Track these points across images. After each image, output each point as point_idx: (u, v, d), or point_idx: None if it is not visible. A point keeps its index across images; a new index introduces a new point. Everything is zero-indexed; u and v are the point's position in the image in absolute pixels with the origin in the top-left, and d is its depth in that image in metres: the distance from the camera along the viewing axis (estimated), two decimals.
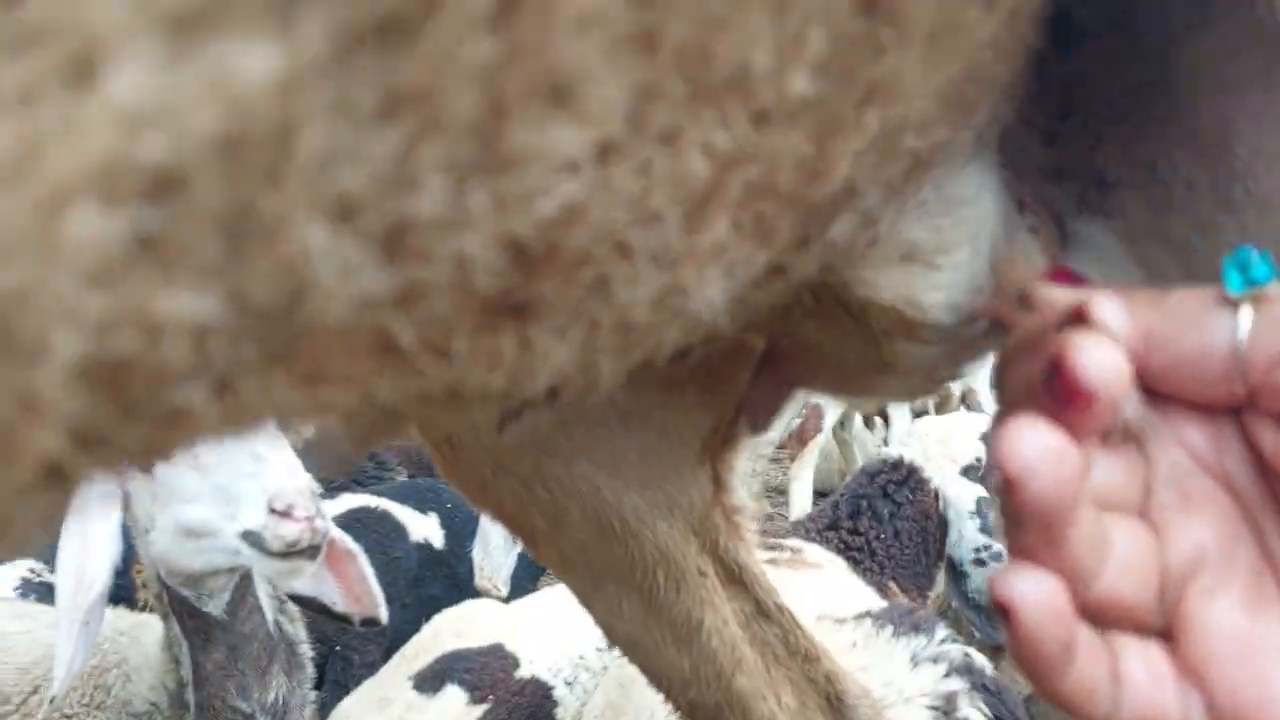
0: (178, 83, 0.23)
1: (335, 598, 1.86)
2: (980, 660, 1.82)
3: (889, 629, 1.76)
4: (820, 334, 0.73)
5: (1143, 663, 0.40)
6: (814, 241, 0.50)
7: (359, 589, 1.88)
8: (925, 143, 0.52)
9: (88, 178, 0.22)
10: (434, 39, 0.26)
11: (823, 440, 4.33)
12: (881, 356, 0.67)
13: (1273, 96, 0.59)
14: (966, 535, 2.66)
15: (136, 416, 0.26)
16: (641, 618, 1.24)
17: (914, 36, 0.43)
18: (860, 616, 1.81)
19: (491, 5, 0.26)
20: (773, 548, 2.36)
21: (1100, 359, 0.38)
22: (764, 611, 1.26)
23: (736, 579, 1.25)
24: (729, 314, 0.47)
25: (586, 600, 1.22)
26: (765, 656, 1.25)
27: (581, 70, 0.29)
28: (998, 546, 2.65)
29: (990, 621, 2.66)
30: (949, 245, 0.62)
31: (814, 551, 2.36)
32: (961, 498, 2.68)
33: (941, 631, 1.83)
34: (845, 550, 2.48)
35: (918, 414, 3.92)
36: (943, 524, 2.66)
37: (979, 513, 2.68)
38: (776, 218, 0.44)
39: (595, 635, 1.30)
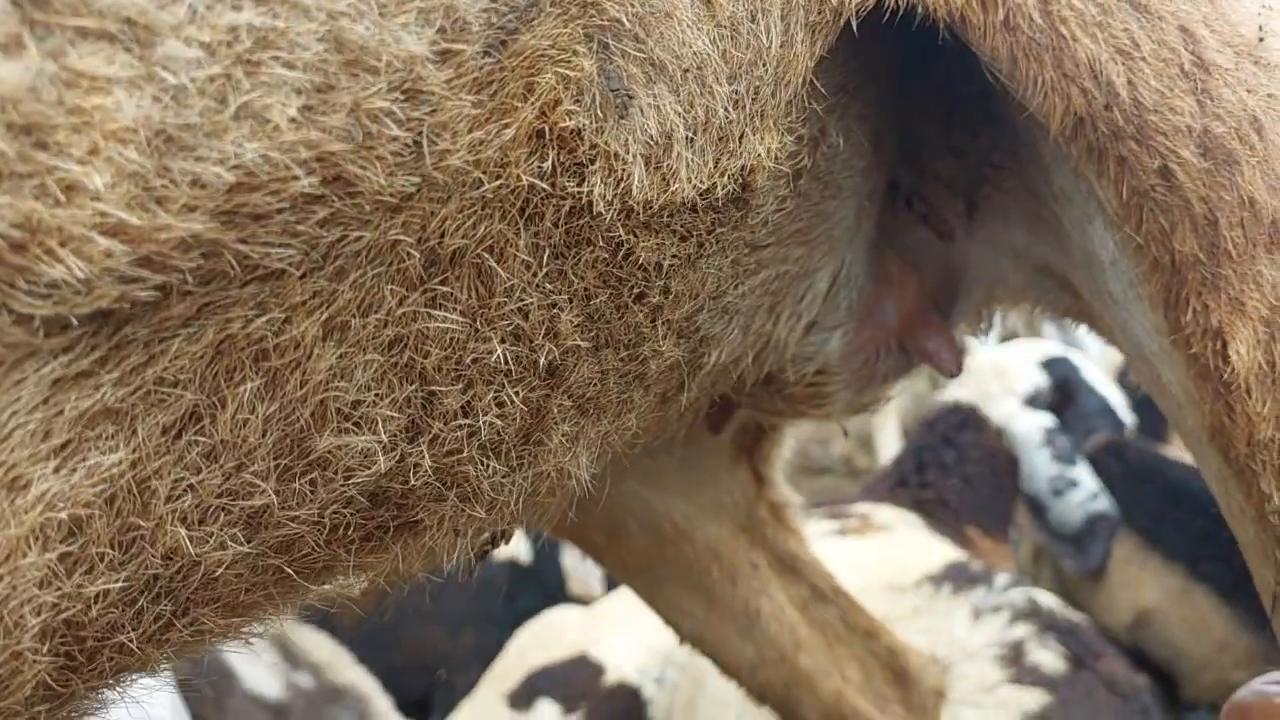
0: None
1: None
2: (1047, 600, 1.94)
3: (947, 587, 1.90)
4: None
5: None
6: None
7: None
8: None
9: None
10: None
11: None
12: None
13: None
14: (1040, 467, 2.77)
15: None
16: (704, 613, 1.42)
17: None
18: (920, 581, 1.94)
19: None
20: (839, 516, 2.51)
21: None
22: (820, 595, 1.43)
23: (789, 567, 1.43)
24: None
25: (652, 603, 1.42)
26: (826, 636, 1.42)
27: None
28: (1072, 473, 2.76)
29: (1079, 549, 2.78)
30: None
31: (883, 513, 2.50)
32: (1028, 430, 2.79)
33: (1002, 579, 1.96)
34: (918, 505, 2.60)
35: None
36: (1010, 459, 2.77)
37: (1048, 442, 2.78)
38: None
39: None
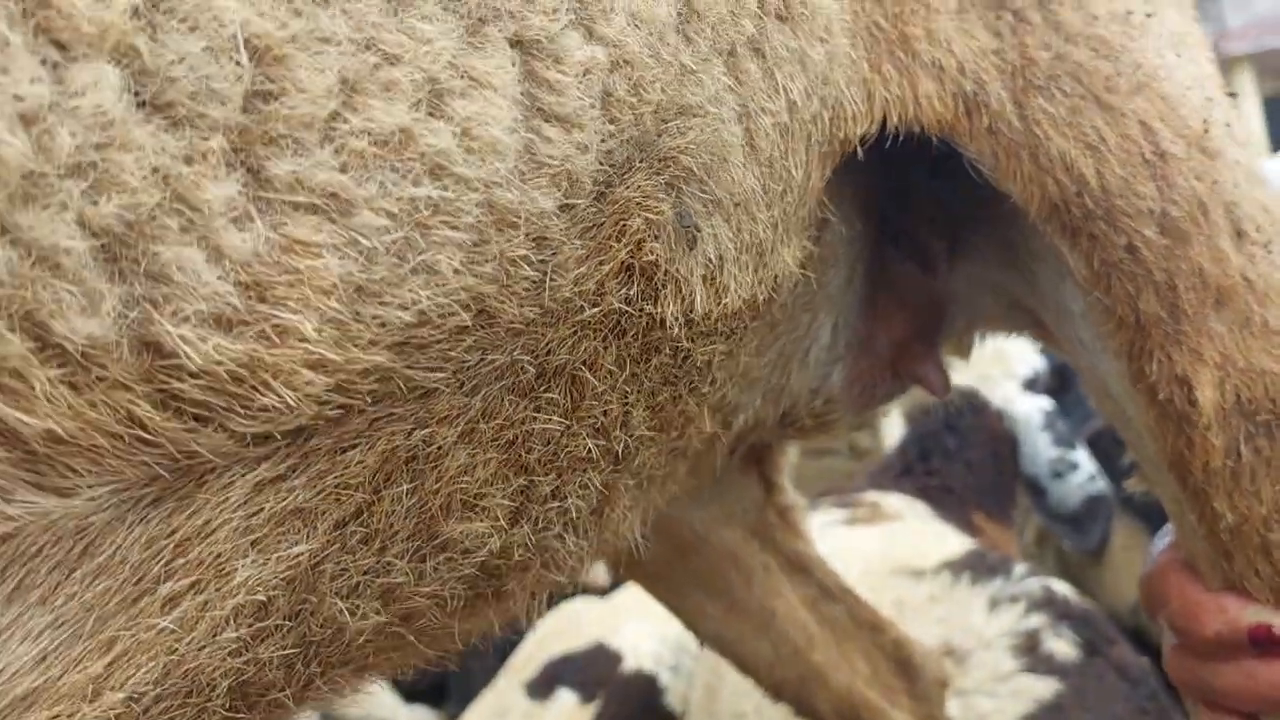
0: None
1: None
2: (1061, 589, 2.08)
3: (966, 576, 2.06)
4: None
5: None
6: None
7: None
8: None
9: None
10: None
11: None
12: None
13: None
14: (1040, 450, 2.93)
15: None
16: (722, 615, 1.59)
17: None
18: (938, 568, 2.10)
19: None
20: (850, 504, 2.67)
21: None
22: (828, 593, 1.60)
23: (798, 568, 1.60)
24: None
25: (674, 609, 1.58)
26: (835, 633, 1.59)
27: None
28: (1072, 456, 2.92)
29: (1078, 530, 2.95)
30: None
31: (892, 501, 2.66)
32: (1028, 414, 2.95)
33: (1019, 569, 2.11)
34: (924, 492, 2.76)
35: None
36: (1011, 442, 2.93)
37: (1048, 425, 2.95)
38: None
39: None
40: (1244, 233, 0.93)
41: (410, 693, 3.11)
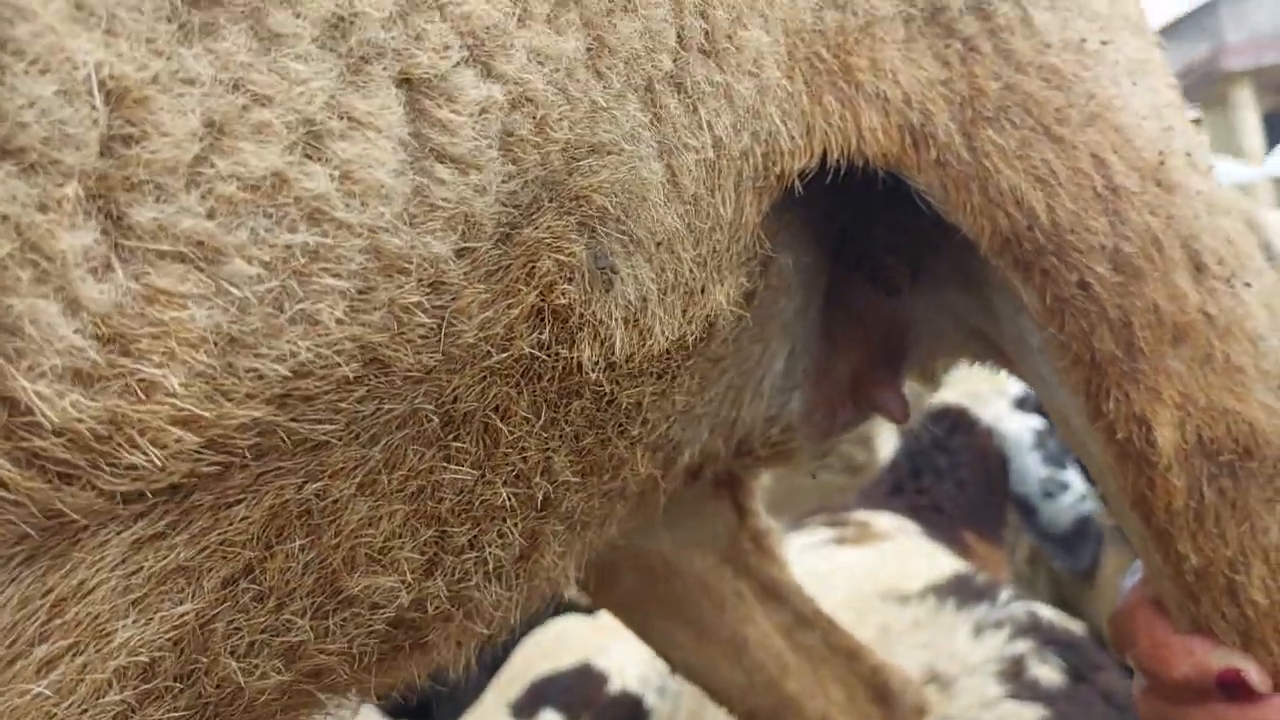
0: None
1: None
2: (1047, 614, 2.05)
3: (951, 601, 2.03)
4: None
5: None
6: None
7: None
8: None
9: None
10: None
11: None
12: None
13: None
14: (1031, 469, 2.90)
15: None
16: (694, 644, 1.56)
17: None
18: (923, 592, 2.07)
19: None
20: (838, 524, 2.64)
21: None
22: (803, 620, 1.57)
23: (772, 594, 1.57)
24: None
25: (645, 636, 1.55)
26: (811, 660, 1.56)
27: None
28: (1063, 475, 2.89)
29: (1069, 550, 2.91)
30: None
31: (882, 520, 2.63)
32: (1019, 432, 2.92)
33: (1005, 593, 2.08)
34: (914, 511, 2.73)
35: None
36: (1002, 461, 2.90)
37: (1039, 444, 2.92)
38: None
39: None
40: (1204, 266, 0.90)
41: (395, 709, 3.08)
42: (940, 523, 2.72)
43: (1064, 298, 0.88)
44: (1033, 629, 2.01)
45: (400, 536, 0.66)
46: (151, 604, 0.58)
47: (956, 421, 2.86)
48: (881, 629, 1.99)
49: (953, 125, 0.88)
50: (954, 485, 2.81)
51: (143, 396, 0.52)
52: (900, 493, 2.81)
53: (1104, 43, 0.94)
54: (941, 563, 2.34)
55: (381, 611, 0.67)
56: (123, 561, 0.56)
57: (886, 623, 2.03)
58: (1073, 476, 2.89)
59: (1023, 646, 1.97)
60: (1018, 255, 0.89)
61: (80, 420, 0.51)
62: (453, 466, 0.66)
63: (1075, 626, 2.14)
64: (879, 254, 1.19)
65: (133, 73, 0.50)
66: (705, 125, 0.73)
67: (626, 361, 0.72)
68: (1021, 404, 2.98)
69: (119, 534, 0.56)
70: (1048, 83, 0.91)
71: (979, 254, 1.01)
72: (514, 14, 0.60)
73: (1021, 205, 0.88)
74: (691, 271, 0.75)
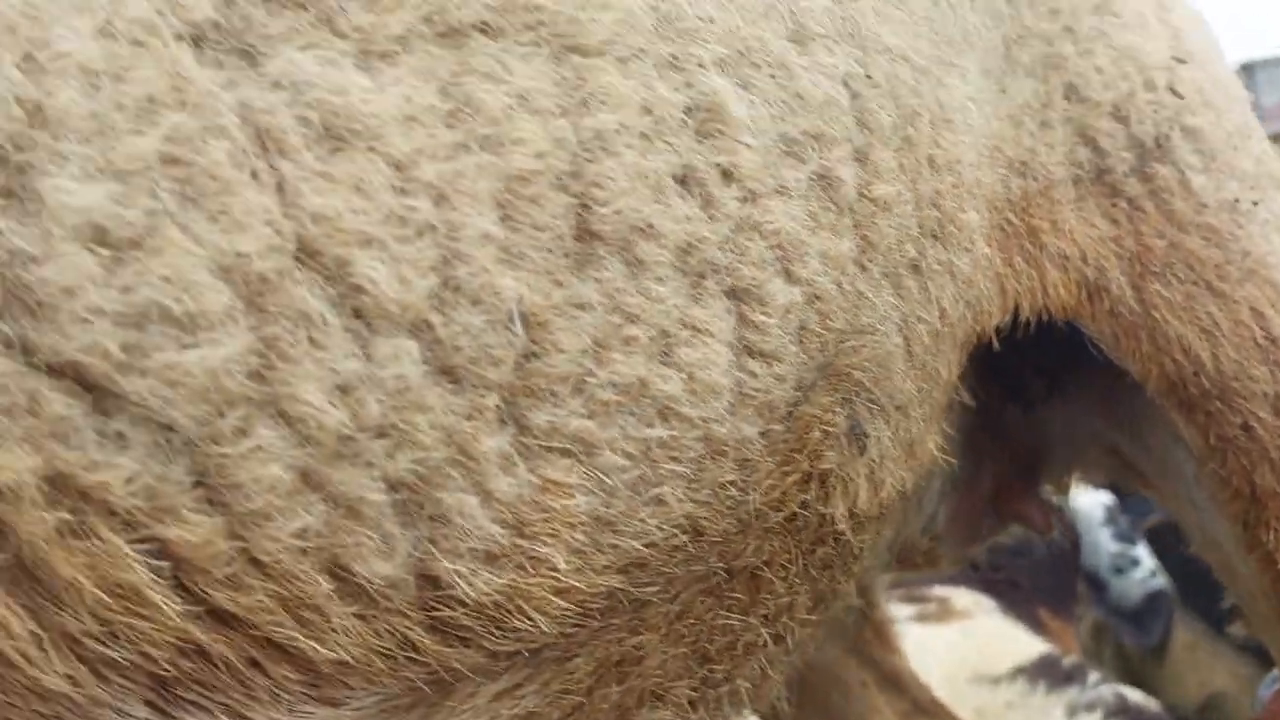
0: None
1: None
2: (1135, 697, 2.12)
3: (1042, 684, 2.09)
4: None
5: None
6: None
7: None
8: None
9: None
10: None
11: None
12: None
13: None
14: (1102, 545, 2.96)
15: None
16: None
17: None
18: (1013, 674, 2.14)
19: None
20: (918, 599, 2.70)
21: None
22: (921, 708, 1.65)
23: (893, 683, 1.65)
24: None
25: None
26: None
27: None
28: (1133, 551, 2.95)
29: (1139, 626, 2.96)
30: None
31: (961, 597, 2.68)
32: (1090, 508, 2.98)
33: (1094, 676, 2.15)
34: (990, 587, 2.78)
35: None
36: (1074, 537, 2.95)
37: (1109, 520, 2.98)
38: None
39: None
40: None
41: None
42: (1016, 599, 2.76)
43: (1227, 438, 0.97)
44: (1122, 711, 2.07)
45: (680, 676, 0.75)
46: None
47: None
48: (977, 712, 2.05)
49: (1124, 279, 0.98)
50: (1028, 561, 2.85)
51: (533, 571, 0.61)
52: (976, 568, 2.86)
53: (1255, 203, 1.03)
54: (1025, 643, 2.40)
55: None
56: (486, 710, 0.66)
57: (981, 705, 2.09)
58: (1142, 553, 2.95)
59: None
60: (1183, 398, 0.98)
61: (486, 593, 0.60)
62: (724, 612, 0.75)
63: (1156, 706, 2.21)
64: (1016, 368, 1.28)
65: (541, 301, 0.60)
66: (934, 300, 0.83)
67: (864, 511, 0.81)
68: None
69: (485, 686, 0.65)
70: (1207, 241, 1.00)
71: (1124, 383, 1.10)
72: (809, 226, 0.70)
73: (1188, 353, 0.97)
74: (918, 428, 0.84)
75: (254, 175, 0.55)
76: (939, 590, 2.74)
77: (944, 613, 2.61)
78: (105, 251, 0.50)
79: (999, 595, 2.76)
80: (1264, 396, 0.96)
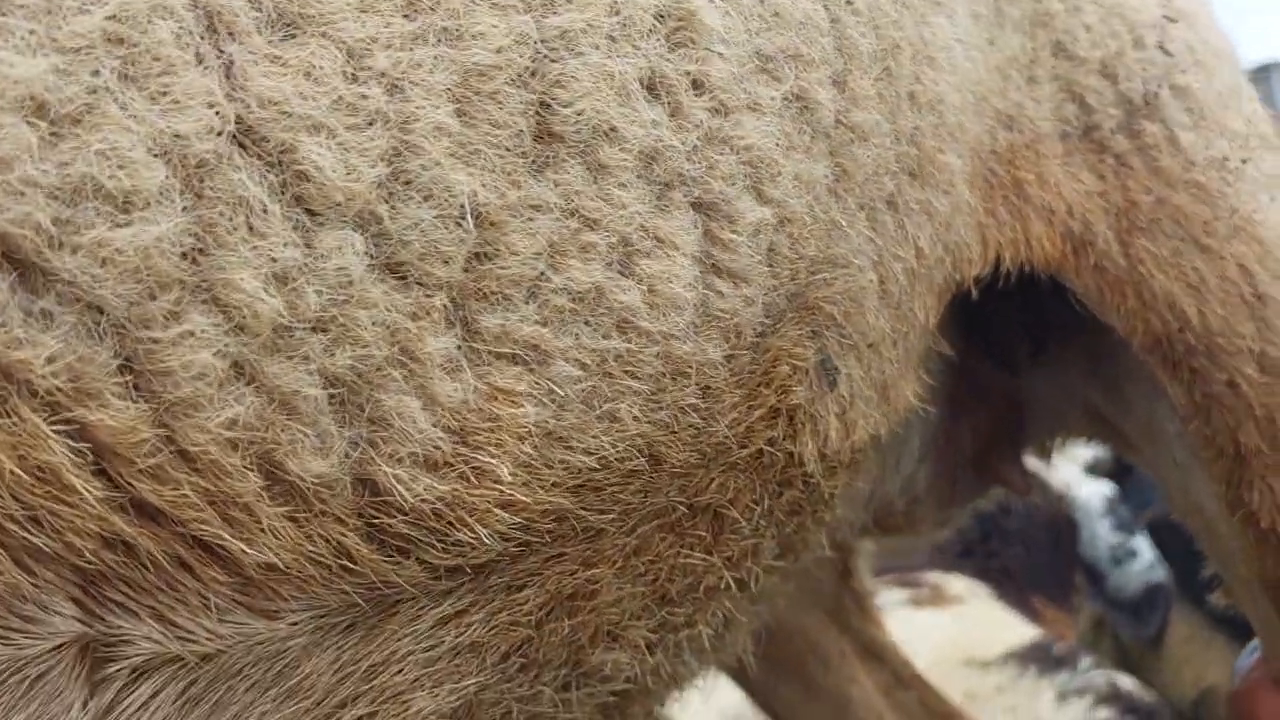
0: None
1: None
2: (1127, 683, 2.09)
3: (1033, 669, 2.07)
4: None
5: None
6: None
7: None
8: None
9: None
10: None
11: None
12: None
13: None
14: (1100, 535, 2.93)
15: None
16: (801, 700, 1.63)
17: None
18: (1004, 659, 2.12)
19: None
20: (912, 584, 2.68)
21: None
22: (901, 680, 1.63)
23: (873, 654, 1.63)
24: None
25: (750, 690, 1.60)
26: (908, 719, 1.60)
27: None
28: (1132, 543, 2.92)
29: (1137, 618, 2.93)
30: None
31: (954, 583, 2.66)
32: (1089, 498, 2.95)
33: (1085, 662, 2.12)
34: (984, 574, 2.76)
35: None
36: (1072, 526, 2.92)
37: (1109, 511, 2.95)
38: None
39: None
40: None
41: None
42: (1010, 586, 2.75)
43: (1212, 395, 0.95)
44: (1114, 697, 2.05)
45: (638, 616, 0.73)
46: (444, 676, 0.65)
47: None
48: (967, 695, 2.03)
49: (1110, 234, 0.96)
50: (1023, 549, 2.83)
51: (476, 481, 0.59)
52: (970, 555, 2.84)
53: (1244, 161, 1.01)
54: (1018, 629, 2.38)
55: (609, 684, 0.74)
56: (429, 636, 0.63)
57: (971, 688, 2.07)
58: (1142, 544, 2.92)
59: (1104, 715, 2.02)
60: (1168, 354, 0.96)
61: (426, 501, 0.58)
62: (685, 550, 0.73)
63: (1149, 695, 2.18)
64: (999, 329, 1.26)
65: (495, 200, 0.58)
66: (911, 238, 0.81)
67: (835, 455, 0.79)
68: (1092, 470, 3.02)
69: (429, 610, 0.63)
70: (1195, 197, 0.98)
71: (1107, 342, 1.08)
72: (782, 145, 0.68)
73: (1174, 309, 0.94)
74: (890, 369, 0.82)
75: (199, 57, 0.53)
76: (931, 576, 2.72)
77: (937, 598, 2.59)
78: (44, 124, 0.49)
79: (992, 582, 2.74)
80: (1249, 353, 0.94)
